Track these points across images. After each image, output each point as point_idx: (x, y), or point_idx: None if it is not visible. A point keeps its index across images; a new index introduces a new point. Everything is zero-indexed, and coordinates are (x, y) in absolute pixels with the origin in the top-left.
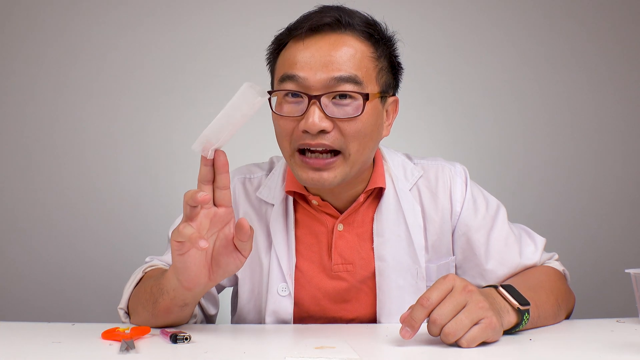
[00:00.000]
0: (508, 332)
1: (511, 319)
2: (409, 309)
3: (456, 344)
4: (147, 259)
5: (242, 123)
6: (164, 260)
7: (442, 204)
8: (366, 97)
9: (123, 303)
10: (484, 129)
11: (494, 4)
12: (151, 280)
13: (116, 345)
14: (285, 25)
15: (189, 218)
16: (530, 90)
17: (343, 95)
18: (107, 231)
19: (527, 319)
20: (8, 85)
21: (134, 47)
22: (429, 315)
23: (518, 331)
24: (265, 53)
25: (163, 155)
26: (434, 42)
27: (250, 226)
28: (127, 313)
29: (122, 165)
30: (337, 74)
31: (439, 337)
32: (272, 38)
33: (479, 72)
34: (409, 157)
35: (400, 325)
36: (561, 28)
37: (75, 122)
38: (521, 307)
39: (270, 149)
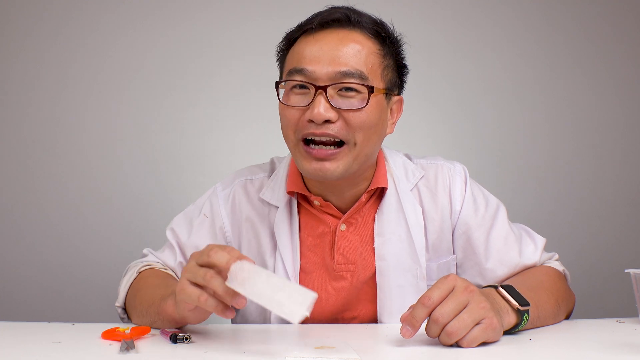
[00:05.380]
0: (507, 332)
1: (511, 319)
2: (410, 308)
3: (456, 345)
4: (145, 251)
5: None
6: (160, 258)
7: (442, 202)
8: (371, 89)
9: (120, 301)
10: (484, 128)
11: (494, 4)
12: (151, 291)
13: (116, 345)
14: (290, 24)
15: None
16: (530, 90)
17: (349, 89)
18: (108, 231)
19: (527, 320)
20: (8, 85)
21: (134, 46)
22: (429, 315)
23: (517, 331)
24: (276, 49)
25: (164, 155)
26: (433, 42)
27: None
28: (124, 309)
29: (122, 165)
30: (344, 68)
31: (438, 339)
32: (274, 37)
33: (479, 71)
34: (409, 157)
35: (401, 325)
36: (561, 28)
37: (76, 121)
38: (521, 308)
39: (271, 149)
